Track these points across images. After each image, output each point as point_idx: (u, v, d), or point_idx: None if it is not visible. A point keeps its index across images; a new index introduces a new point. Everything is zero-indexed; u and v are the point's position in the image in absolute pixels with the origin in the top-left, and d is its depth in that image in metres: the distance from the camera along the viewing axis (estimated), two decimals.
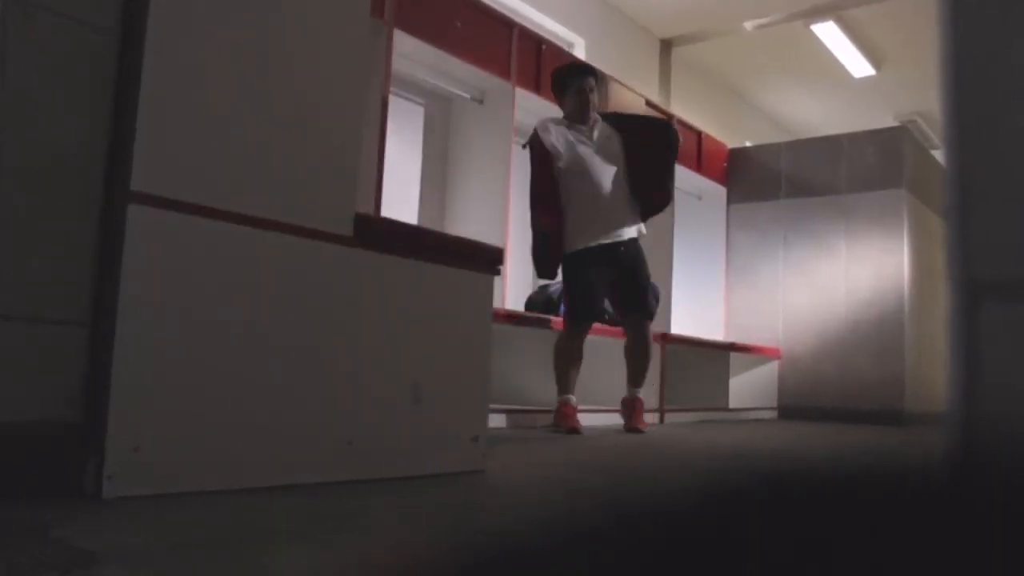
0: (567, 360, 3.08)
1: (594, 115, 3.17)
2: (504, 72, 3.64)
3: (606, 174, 3.08)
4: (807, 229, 5.00)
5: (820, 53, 6.57)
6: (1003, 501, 0.41)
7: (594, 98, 3.16)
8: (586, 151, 3.09)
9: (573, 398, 3.07)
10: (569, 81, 3.16)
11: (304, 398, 1.43)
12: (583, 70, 3.22)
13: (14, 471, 1.15)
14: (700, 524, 0.41)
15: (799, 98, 7.65)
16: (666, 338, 4.13)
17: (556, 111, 3.97)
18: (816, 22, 6.07)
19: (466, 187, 3.73)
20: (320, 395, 1.46)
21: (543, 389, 3.27)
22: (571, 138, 3.09)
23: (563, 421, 3.02)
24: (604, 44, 5.64)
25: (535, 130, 3.13)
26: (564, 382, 3.07)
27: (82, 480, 1.19)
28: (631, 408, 3.20)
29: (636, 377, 3.20)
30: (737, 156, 5.42)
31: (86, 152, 1.27)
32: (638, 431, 3.12)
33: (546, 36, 4.29)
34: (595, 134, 3.14)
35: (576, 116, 3.14)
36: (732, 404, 4.60)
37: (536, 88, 3.82)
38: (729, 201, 5.33)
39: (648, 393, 3.94)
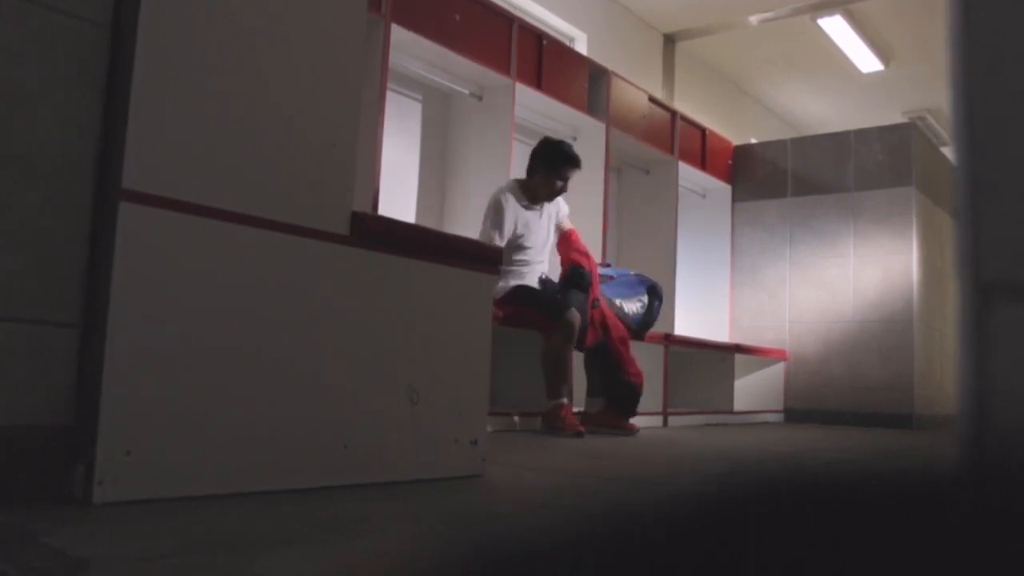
0: (564, 361, 3.04)
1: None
2: (504, 67, 3.58)
3: (544, 246, 3.30)
4: (814, 228, 4.94)
5: (827, 48, 6.50)
6: (1017, 506, 0.40)
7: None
8: (533, 225, 3.23)
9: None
10: (561, 166, 3.19)
11: (299, 400, 1.41)
12: (576, 163, 3.25)
13: (2, 476, 1.13)
14: (707, 530, 0.40)
15: (806, 94, 7.57)
16: (670, 339, 4.07)
17: (556, 108, 3.94)
18: (823, 16, 6.00)
19: (465, 185, 3.68)
20: (315, 397, 1.44)
21: (543, 391, 3.20)
22: (523, 211, 3.20)
23: (564, 425, 2.96)
24: (606, 39, 5.57)
25: (499, 199, 3.18)
26: (560, 383, 3.03)
27: (72, 485, 1.17)
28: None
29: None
30: (742, 153, 5.37)
31: (77, 149, 1.24)
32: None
33: (547, 31, 4.23)
34: (543, 211, 3.28)
35: (539, 196, 3.24)
36: (737, 407, 4.57)
37: (537, 84, 3.76)
38: (734, 199, 5.28)
39: (651, 395, 3.89)
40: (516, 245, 3.17)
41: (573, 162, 3.21)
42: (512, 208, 3.16)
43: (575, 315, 3.06)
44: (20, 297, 1.17)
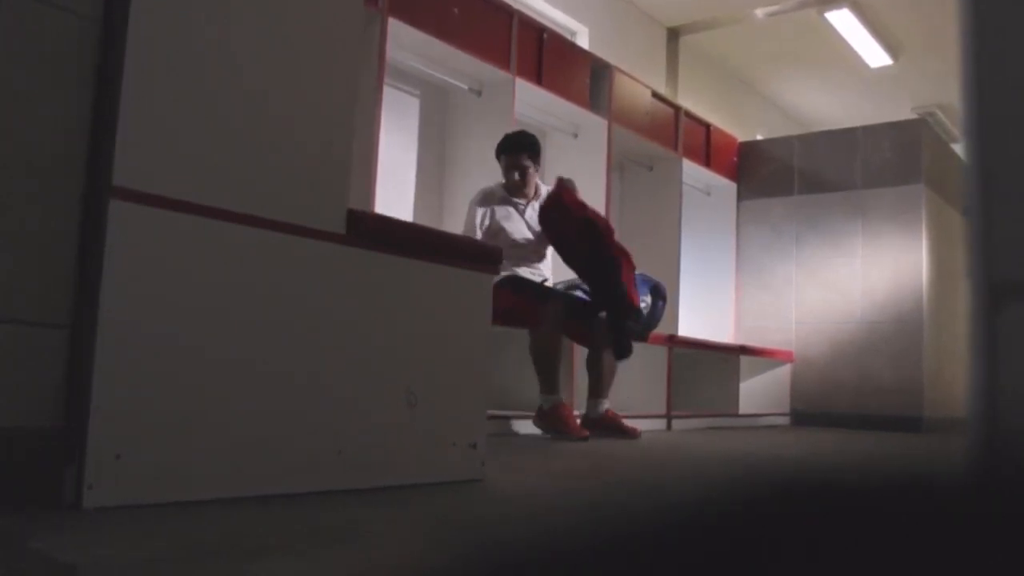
0: (553, 353, 2.93)
1: (531, 190, 3.22)
2: (503, 62, 3.53)
3: (531, 241, 3.18)
4: (821, 226, 4.88)
5: (834, 42, 6.42)
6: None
7: (529, 176, 3.18)
8: (514, 221, 3.17)
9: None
10: (507, 154, 3.16)
11: (294, 403, 1.39)
12: (516, 147, 3.16)
13: None
14: (710, 535, 0.39)
15: (812, 89, 7.50)
16: (673, 340, 4.01)
17: (557, 104, 3.90)
18: (830, 9, 5.93)
19: (464, 183, 3.63)
20: (311, 399, 1.42)
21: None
22: (499, 205, 3.16)
23: (567, 428, 2.89)
24: (608, 33, 5.50)
25: (472, 198, 3.17)
26: (553, 378, 2.92)
27: (61, 489, 1.16)
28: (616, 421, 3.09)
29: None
30: (748, 150, 5.31)
31: (68, 146, 1.23)
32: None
33: (548, 25, 4.17)
34: (528, 209, 3.19)
35: (513, 190, 3.20)
36: (742, 409, 4.53)
37: (537, 80, 3.71)
38: (739, 197, 5.23)
39: (655, 397, 3.83)
40: (498, 237, 3.12)
41: (514, 147, 3.15)
42: (484, 202, 3.16)
43: (559, 303, 2.97)
44: (8, 297, 1.16)
